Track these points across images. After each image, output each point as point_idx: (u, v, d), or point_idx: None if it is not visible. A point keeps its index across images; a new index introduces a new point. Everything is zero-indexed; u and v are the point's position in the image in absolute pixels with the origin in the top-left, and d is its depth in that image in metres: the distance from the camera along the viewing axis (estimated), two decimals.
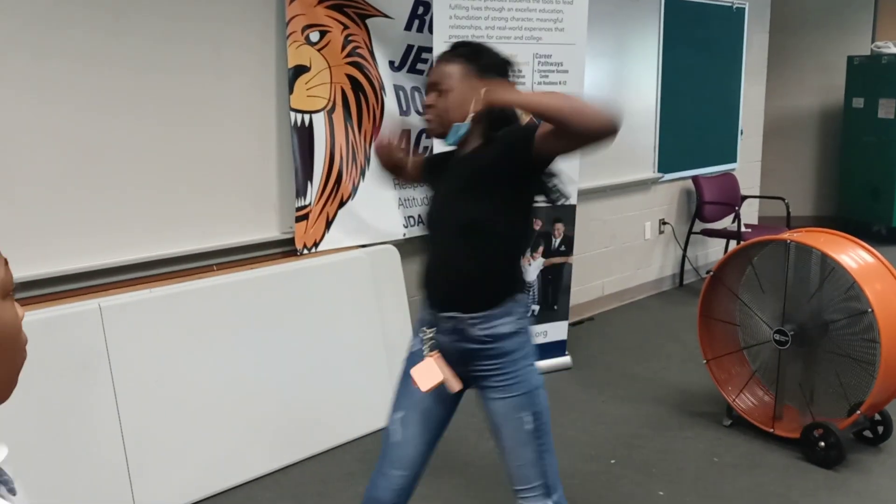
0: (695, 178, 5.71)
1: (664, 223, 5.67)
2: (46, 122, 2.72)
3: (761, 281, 3.30)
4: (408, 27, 3.68)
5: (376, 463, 2.04)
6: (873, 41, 7.40)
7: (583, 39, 3.93)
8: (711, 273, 3.43)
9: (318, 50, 3.38)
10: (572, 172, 4.05)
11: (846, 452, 3.05)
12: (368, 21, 3.55)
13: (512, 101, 1.80)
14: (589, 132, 1.65)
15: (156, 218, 3.03)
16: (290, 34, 3.28)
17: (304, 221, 3.43)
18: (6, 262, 0.75)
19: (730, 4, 5.76)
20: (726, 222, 5.84)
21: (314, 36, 3.36)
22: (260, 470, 3.08)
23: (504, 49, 3.67)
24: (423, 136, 3.79)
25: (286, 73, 3.31)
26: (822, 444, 3.05)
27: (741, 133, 6.17)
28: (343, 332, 3.35)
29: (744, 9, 5.89)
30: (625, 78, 5.14)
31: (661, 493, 2.92)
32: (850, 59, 7.18)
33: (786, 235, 3.20)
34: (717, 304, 3.46)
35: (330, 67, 3.43)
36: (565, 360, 4.24)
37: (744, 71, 6.02)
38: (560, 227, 4.10)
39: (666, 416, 3.59)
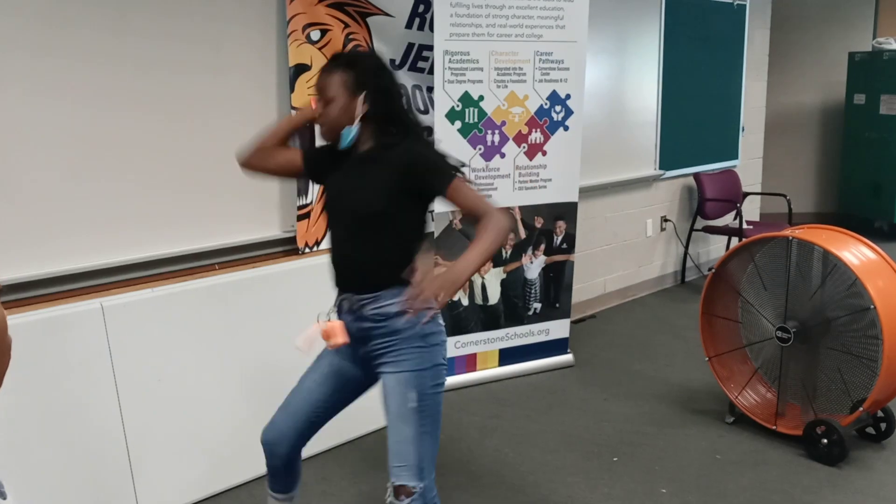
0: (696, 175, 5.70)
1: (666, 220, 5.66)
2: (47, 121, 2.71)
3: (763, 278, 3.29)
4: (408, 25, 3.68)
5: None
6: (874, 37, 7.39)
7: (584, 37, 3.93)
8: (713, 270, 3.43)
9: (319, 48, 3.38)
10: (574, 170, 4.05)
11: (849, 449, 3.04)
12: (369, 19, 3.55)
13: (468, 277, 1.90)
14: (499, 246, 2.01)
15: (157, 217, 3.03)
16: (291, 33, 3.28)
17: (306, 220, 3.43)
18: None
19: (731, 1, 5.75)
20: (728, 219, 5.83)
21: (315, 34, 3.36)
22: (263, 469, 3.06)
23: (505, 47, 3.73)
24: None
25: (287, 72, 3.31)
26: (825, 441, 3.05)
27: (742, 130, 6.17)
28: None
29: (745, 5, 5.87)
30: (626, 75, 5.13)
31: (663, 490, 2.92)
32: (852, 55, 7.17)
33: (787, 232, 3.20)
34: (719, 302, 3.46)
35: None
36: (567, 357, 4.24)
37: (745, 67, 6.01)
38: (561, 224, 4.10)
39: (668, 413, 3.59)
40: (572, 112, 3.98)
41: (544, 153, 3.95)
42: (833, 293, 3.08)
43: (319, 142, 2.17)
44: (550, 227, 4.06)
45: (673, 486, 2.95)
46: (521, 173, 3.91)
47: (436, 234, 3.74)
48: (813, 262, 3.12)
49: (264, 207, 3.39)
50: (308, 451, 3.20)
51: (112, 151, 2.88)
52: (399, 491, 2.00)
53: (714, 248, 6.15)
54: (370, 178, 2.02)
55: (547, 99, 3.90)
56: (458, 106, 3.68)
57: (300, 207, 3.40)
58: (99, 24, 2.79)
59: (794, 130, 7.67)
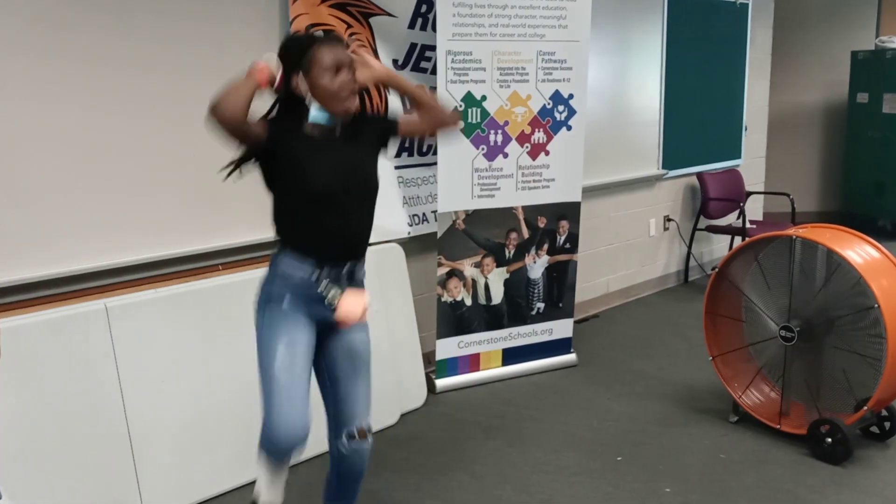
0: (699, 175, 5.70)
1: (669, 220, 5.66)
2: (51, 124, 2.72)
3: (767, 277, 3.29)
4: (411, 26, 3.68)
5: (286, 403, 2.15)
6: (877, 36, 7.38)
7: (586, 36, 3.93)
8: (717, 269, 3.42)
9: None
10: (577, 170, 4.05)
11: (853, 448, 3.04)
12: (372, 20, 3.55)
13: (389, 74, 2.29)
14: (442, 119, 2.28)
15: (161, 218, 3.04)
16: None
17: None
18: None
19: (733, 0, 5.75)
20: (731, 219, 5.82)
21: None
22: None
23: (507, 46, 3.74)
24: None
25: None
26: (829, 440, 3.04)
27: (745, 129, 6.16)
28: None
29: (747, 4, 5.87)
30: (628, 75, 5.13)
31: (667, 489, 2.92)
32: (854, 54, 7.16)
33: (791, 231, 3.20)
34: (722, 301, 3.46)
35: None
36: (571, 357, 4.24)
37: (747, 67, 6.01)
38: (565, 224, 4.10)
39: (672, 412, 3.59)
40: (575, 112, 3.98)
41: (547, 153, 3.95)
42: (837, 292, 3.08)
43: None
44: (554, 226, 4.06)
45: (676, 485, 2.95)
46: (524, 173, 3.91)
47: (439, 234, 3.74)
48: (816, 262, 3.12)
49: (267, 208, 3.39)
50: (313, 449, 3.22)
51: (116, 153, 2.89)
52: (366, 433, 2.28)
53: (717, 248, 6.14)
54: (366, 149, 2.20)
55: (550, 99, 3.90)
56: (460, 106, 3.68)
57: None
58: (102, 27, 2.80)
59: (797, 129, 7.67)
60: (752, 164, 6.34)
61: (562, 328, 4.21)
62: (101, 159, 2.85)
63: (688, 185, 5.78)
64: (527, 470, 3.08)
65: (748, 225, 5.50)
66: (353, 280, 2.21)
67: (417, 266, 3.84)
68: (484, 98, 3.73)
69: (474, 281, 3.89)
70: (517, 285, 4.03)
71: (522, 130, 3.87)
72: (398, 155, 3.81)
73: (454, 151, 3.67)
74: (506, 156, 3.85)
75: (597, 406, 3.69)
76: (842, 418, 3.05)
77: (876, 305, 2.88)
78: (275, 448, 2.15)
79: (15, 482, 2.48)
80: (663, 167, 5.45)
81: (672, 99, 5.39)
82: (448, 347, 3.89)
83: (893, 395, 3.07)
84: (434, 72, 3.67)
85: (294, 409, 2.10)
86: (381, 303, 3.50)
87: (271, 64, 2.08)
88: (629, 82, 5.15)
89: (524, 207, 3.95)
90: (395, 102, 3.67)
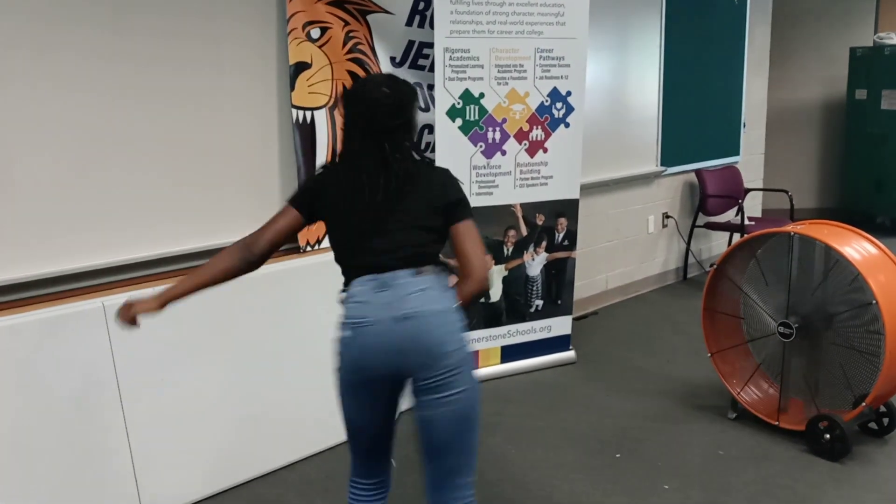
0: (698, 172, 5.70)
1: (667, 217, 5.66)
2: (48, 120, 2.72)
3: (765, 274, 3.29)
4: (409, 23, 3.68)
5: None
6: (876, 32, 7.38)
7: (584, 33, 3.93)
8: (715, 266, 3.42)
9: (319, 46, 3.38)
10: (575, 167, 4.05)
11: (851, 444, 3.04)
12: (369, 17, 3.55)
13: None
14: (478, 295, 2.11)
15: (158, 216, 3.03)
16: (291, 31, 3.28)
17: None
18: None
19: None
20: (730, 215, 5.83)
21: (315, 32, 3.36)
22: (265, 467, 3.08)
23: (505, 43, 3.73)
24: None
25: (287, 70, 3.31)
26: (828, 436, 3.05)
27: (744, 126, 6.16)
28: None
29: (745, 1, 5.87)
30: (627, 72, 5.13)
31: (666, 486, 2.92)
32: (853, 50, 7.16)
33: (789, 228, 3.20)
34: (721, 298, 3.46)
35: (331, 64, 3.43)
36: (569, 354, 4.24)
37: (746, 63, 6.00)
38: (563, 221, 4.09)
39: (671, 409, 3.59)
40: (573, 109, 3.98)
41: (545, 150, 3.95)
42: (835, 288, 3.08)
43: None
44: (552, 224, 4.06)
45: (676, 481, 2.95)
46: (522, 170, 3.91)
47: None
48: (815, 258, 3.12)
49: (265, 205, 3.39)
50: (311, 448, 3.22)
51: (112, 150, 2.88)
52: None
53: (716, 245, 6.15)
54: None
55: (548, 96, 3.90)
56: (458, 103, 3.68)
57: None
58: (100, 22, 2.79)
59: (796, 126, 7.67)
60: (750, 161, 6.34)
61: (560, 325, 4.21)
62: (97, 156, 2.85)
63: (686, 181, 5.78)
64: (526, 467, 3.08)
65: (747, 222, 5.50)
66: None
67: None
68: (482, 95, 3.73)
69: None
70: (516, 283, 4.03)
71: (520, 128, 3.87)
72: None
73: (452, 149, 3.67)
74: (504, 153, 3.85)
75: (596, 403, 3.69)
76: (840, 414, 3.06)
77: (874, 301, 2.88)
78: None
79: (11, 481, 2.48)
80: (662, 164, 5.45)
81: (670, 96, 5.39)
82: None
83: (892, 391, 3.07)
84: (432, 69, 3.67)
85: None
86: None
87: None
88: (627, 79, 5.14)
89: (522, 205, 3.95)
90: None
